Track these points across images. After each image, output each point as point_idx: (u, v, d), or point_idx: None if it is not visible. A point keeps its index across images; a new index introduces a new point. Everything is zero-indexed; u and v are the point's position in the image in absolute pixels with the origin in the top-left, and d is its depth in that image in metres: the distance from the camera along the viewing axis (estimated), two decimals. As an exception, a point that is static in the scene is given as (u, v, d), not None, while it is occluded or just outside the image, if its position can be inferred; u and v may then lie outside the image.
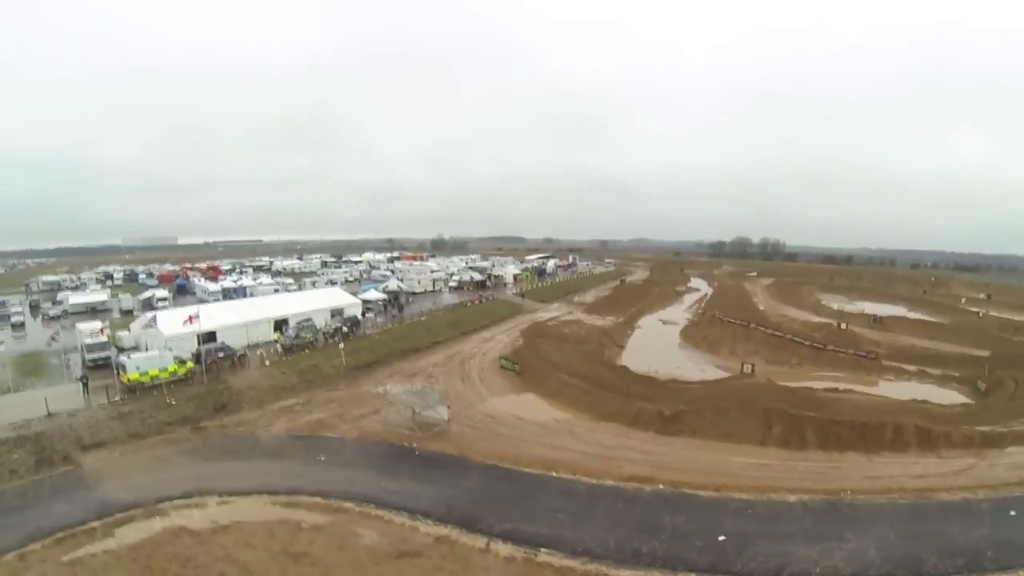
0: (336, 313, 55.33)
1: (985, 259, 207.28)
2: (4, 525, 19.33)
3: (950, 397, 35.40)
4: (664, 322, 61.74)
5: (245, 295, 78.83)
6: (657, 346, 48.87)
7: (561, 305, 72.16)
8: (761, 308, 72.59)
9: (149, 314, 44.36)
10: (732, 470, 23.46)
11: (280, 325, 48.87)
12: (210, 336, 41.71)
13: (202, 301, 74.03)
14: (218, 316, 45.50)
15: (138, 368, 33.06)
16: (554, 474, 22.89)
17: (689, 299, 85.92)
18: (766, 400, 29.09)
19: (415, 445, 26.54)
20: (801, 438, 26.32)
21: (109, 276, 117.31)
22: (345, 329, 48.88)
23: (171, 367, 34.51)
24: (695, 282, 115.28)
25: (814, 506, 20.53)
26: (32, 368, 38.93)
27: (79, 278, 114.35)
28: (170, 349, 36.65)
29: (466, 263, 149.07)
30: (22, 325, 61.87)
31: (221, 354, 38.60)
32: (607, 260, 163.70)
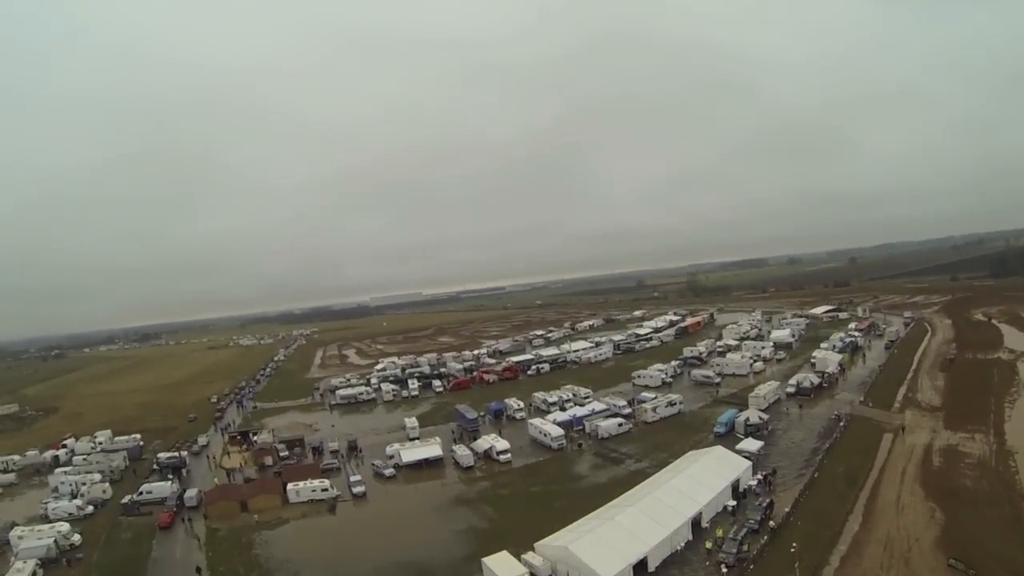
0: (734, 488, 47.55)
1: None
2: None
3: None
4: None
5: (582, 425, 74.72)
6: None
7: (912, 412, 65.48)
8: None
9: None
10: None
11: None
12: (641, 565, 37.95)
13: (541, 444, 70.21)
14: (641, 534, 39.83)
15: None
16: None
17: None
18: None
19: None
20: None
21: (401, 381, 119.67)
22: (772, 523, 42.51)
23: None
24: (1009, 334, 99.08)
25: None
26: None
27: (370, 384, 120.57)
28: None
29: (757, 329, 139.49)
30: None
31: None
32: (906, 315, 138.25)
